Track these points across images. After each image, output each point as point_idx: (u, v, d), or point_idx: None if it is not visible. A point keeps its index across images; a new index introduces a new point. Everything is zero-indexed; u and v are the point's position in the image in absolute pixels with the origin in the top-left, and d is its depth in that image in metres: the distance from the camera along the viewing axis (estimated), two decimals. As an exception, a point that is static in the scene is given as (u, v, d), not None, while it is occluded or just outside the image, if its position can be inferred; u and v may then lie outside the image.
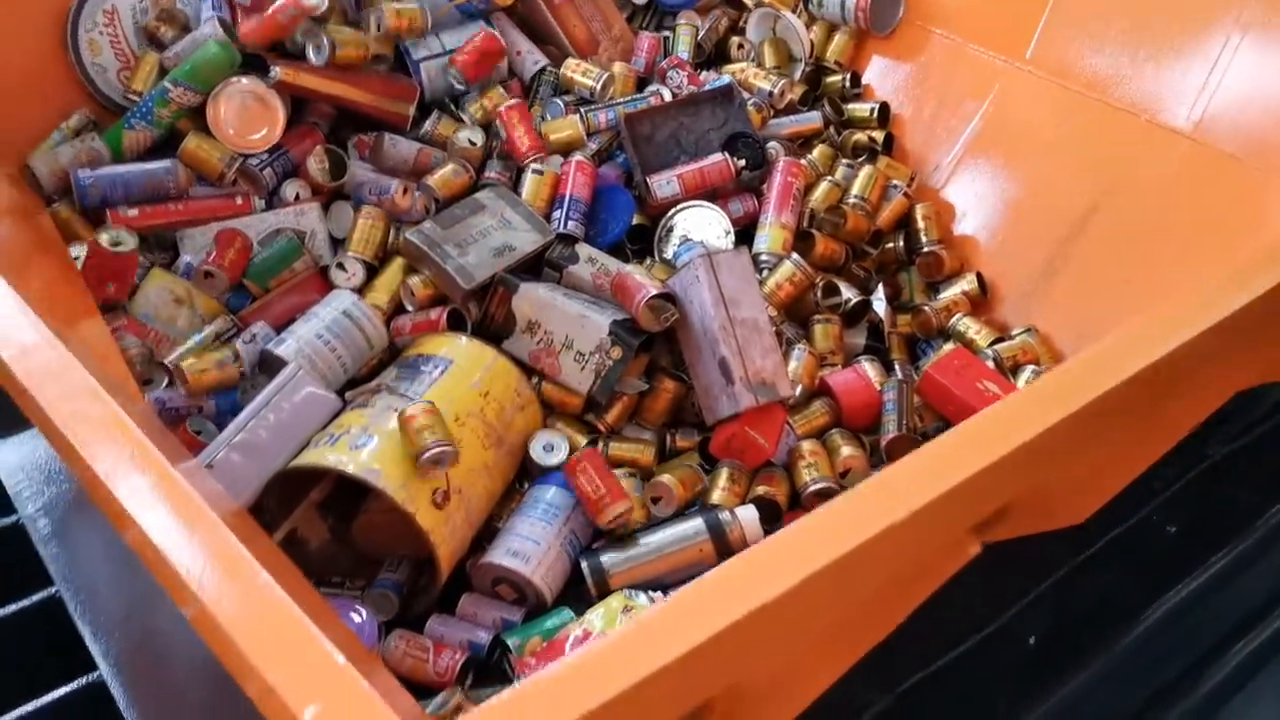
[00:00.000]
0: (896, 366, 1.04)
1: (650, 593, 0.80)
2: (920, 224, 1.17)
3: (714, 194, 1.11)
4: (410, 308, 1.00)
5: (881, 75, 1.34)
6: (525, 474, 0.92)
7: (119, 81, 1.09)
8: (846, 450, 0.94)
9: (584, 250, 1.02)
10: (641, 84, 1.25)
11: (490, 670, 0.79)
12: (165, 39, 1.09)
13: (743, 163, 1.13)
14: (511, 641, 0.78)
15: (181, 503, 0.46)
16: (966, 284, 1.12)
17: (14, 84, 1.04)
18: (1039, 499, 0.77)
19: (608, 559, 0.83)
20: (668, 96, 1.20)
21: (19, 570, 0.85)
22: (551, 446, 0.92)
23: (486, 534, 0.87)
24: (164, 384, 0.91)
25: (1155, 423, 0.87)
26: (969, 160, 1.22)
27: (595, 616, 0.77)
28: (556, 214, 1.05)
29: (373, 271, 1.03)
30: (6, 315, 0.58)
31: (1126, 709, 0.82)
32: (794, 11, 1.34)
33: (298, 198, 1.05)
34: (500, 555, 0.83)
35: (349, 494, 0.86)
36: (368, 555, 0.87)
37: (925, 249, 1.16)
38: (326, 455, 0.80)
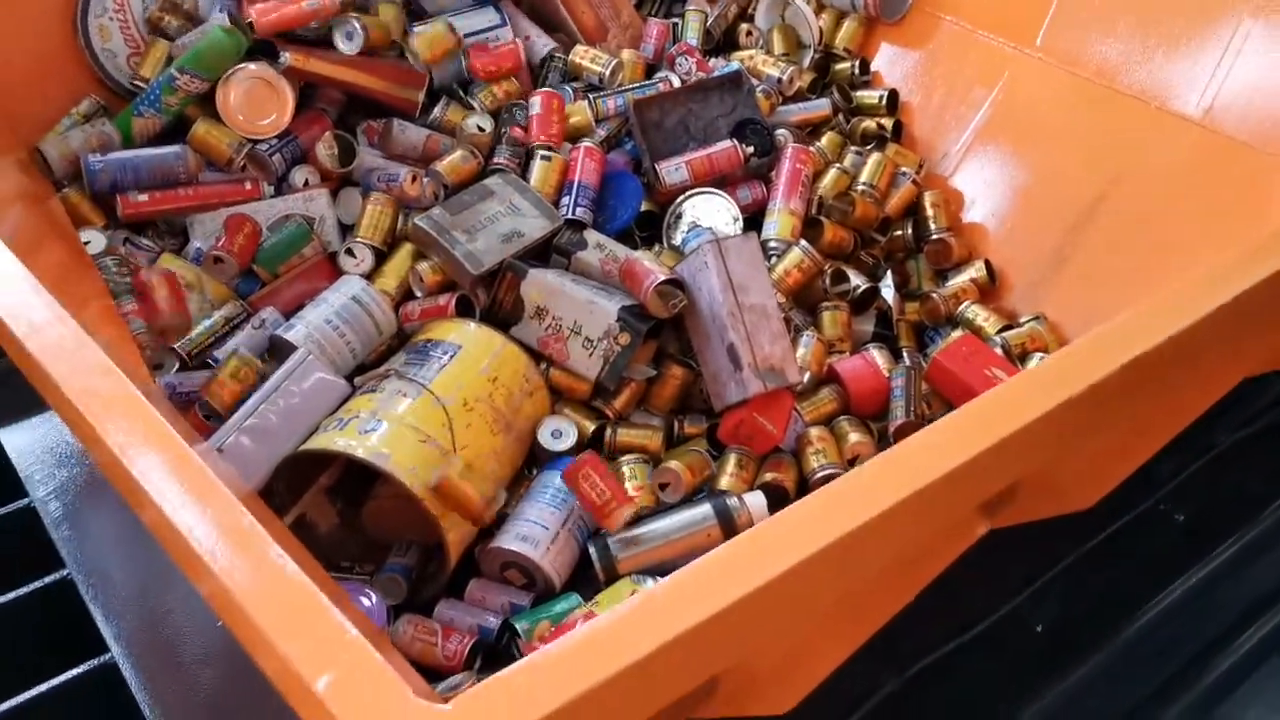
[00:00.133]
0: (904, 354, 1.03)
1: (658, 578, 0.80)
2: (929, 211, 1.17)
3: (723, 181, 1.11)
4: (419, 293, 1.00)
5: (890, 62, 1.34)
6: (534, 460, 0.93)
7: (129, 67, 1.09)
8: (854, 437, 0.94)
9: (592, 236, 1.02)
10: (650, 70, 1.25)
11: (499, 655, 0.80)
12: (170, 29, 1.09)
13: (751, 149, 1.13)
14: (520, 626, 0.78)
15: (194, 477, 0.46)
16: (975, 271, 1.12)
17: (25, 69, 1.05)
18: (1046, 482, 0.77)
19: (615, 544, 0.83)
20: (676, 83, 1.20)
21: (31, 553, 0.86)
22: (560, 432, 0.92)
23: (495, 520, 0.87)
24: (174, 368, 0.91)
25: (1162, 407, 0.87)
26: (978, 147, 1.21)
27: (603, 601, 0.78)
28: (565, 200, 1.05)
29: (381, 257, 1.03)
30: (19, 293, 0.59)
31: (1133, 697, 0.82)
32: (803, -2, 1.33)
33: (307, 184, 1.05)
34: (509, 540, 0.83)
35: (358, 479, 0.86)
36: (376, 540, 0.88)
37: (934, 236, 1.16)
38: (336, 440, 0.80)
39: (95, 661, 0.76)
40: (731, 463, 0.90)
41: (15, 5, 1.05)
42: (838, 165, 1.18)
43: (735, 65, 1.22)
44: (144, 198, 0.99)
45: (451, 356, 0.88)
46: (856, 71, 1.32)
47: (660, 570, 0.82)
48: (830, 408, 0.97)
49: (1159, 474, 0.96)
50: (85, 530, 0.88)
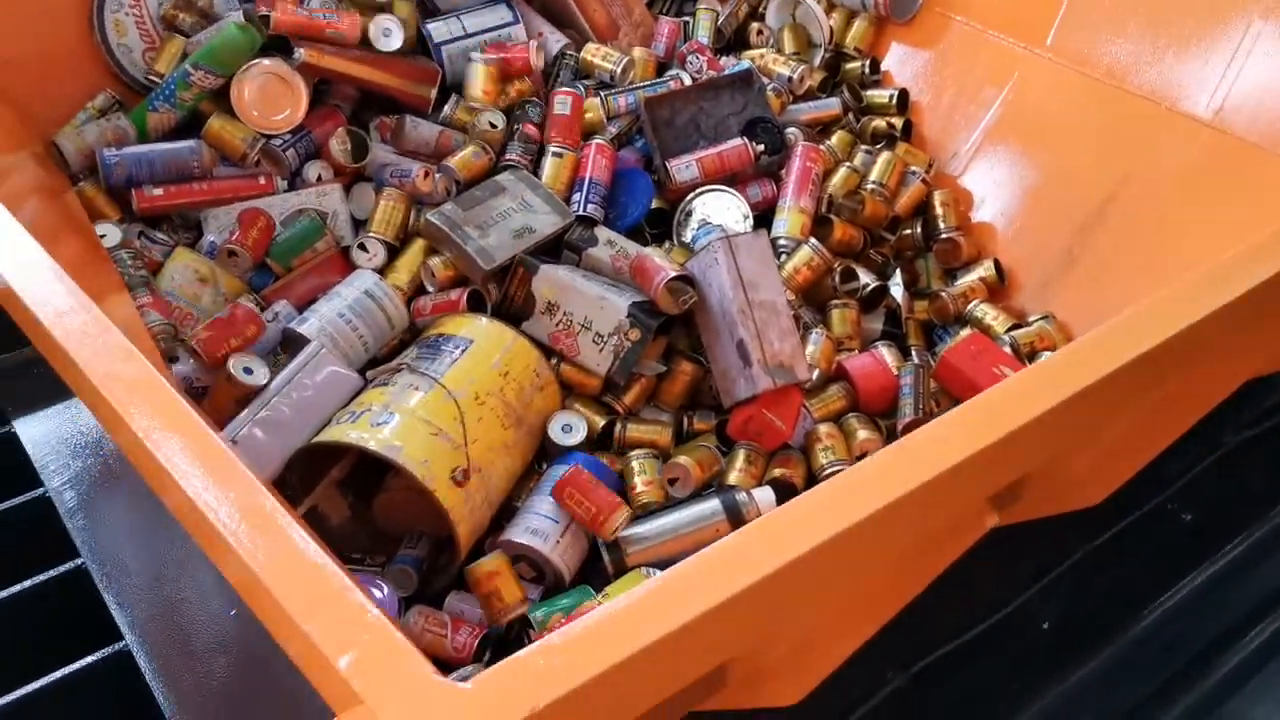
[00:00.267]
0: (913, 352, 1.04)
1: (667, 571, 0.81)
2: (938, 210, 1.18)
3: (733, 178, 1.12)
4: (431, 288, 1.01)
5: (901, 62, 1.34)
6: (544, 454, 0.93)
7: (144, 62, 1.10)
8: (863, 434, 0.94)
9: (603, 233, 1.03)
10: (661, 69, 1.26)
11: (510, 647, 0.80)
12: (184, 26, 1.10)
13: (762, 148, 1.13)
14: (533, 616, 0.79)
15: (217, 461, 0.47)
16: (984, 270, 1.12)
17: (41, 64, 1.06)
18: (1054, 478, 0.77)
19: (625, 538, 0.84)
20: (687, 81, 1.20)
21: (46, 542, 0.86)
22: (570, 427, 0.92)
23: (505, 513, 0.88)
24: (189, 361, 0.92)
25: (1168, 404, 0.87)
26: (988, 147, 1.22)
27: (614, 594, 0.78)
28: (576, 197, 1.06)
29: (394, 252, 1.04)
30: (45, 281, 0.59)
31: (1139, 694, 0.83)
32: (814, -3, 1.34)
33: (320, 179, 1.06)
34: (519, 533, 0.83)
35: (370, 471, 0.87)
36: (387, 532, 0.88)
37: (943, 235, 1.16)
38: (348, 432, 0.81)
39: (109, 649, 0.77)
40: (740, 458, 0.90)
41: (32, 0, 1.05)
42: (848, 164, 1.18)
43: (746, 64, 1.23)
44: (159, 192, 1.00)
45: (463, 351, 0.89)
46: (867, 71, 1.32)
47: (669, 564, 0.82)
48: (839, 405, 0.98)
49: (1166, 474, 0.97)
50: (99, 520, 0.89)
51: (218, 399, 0.85)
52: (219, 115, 1.03)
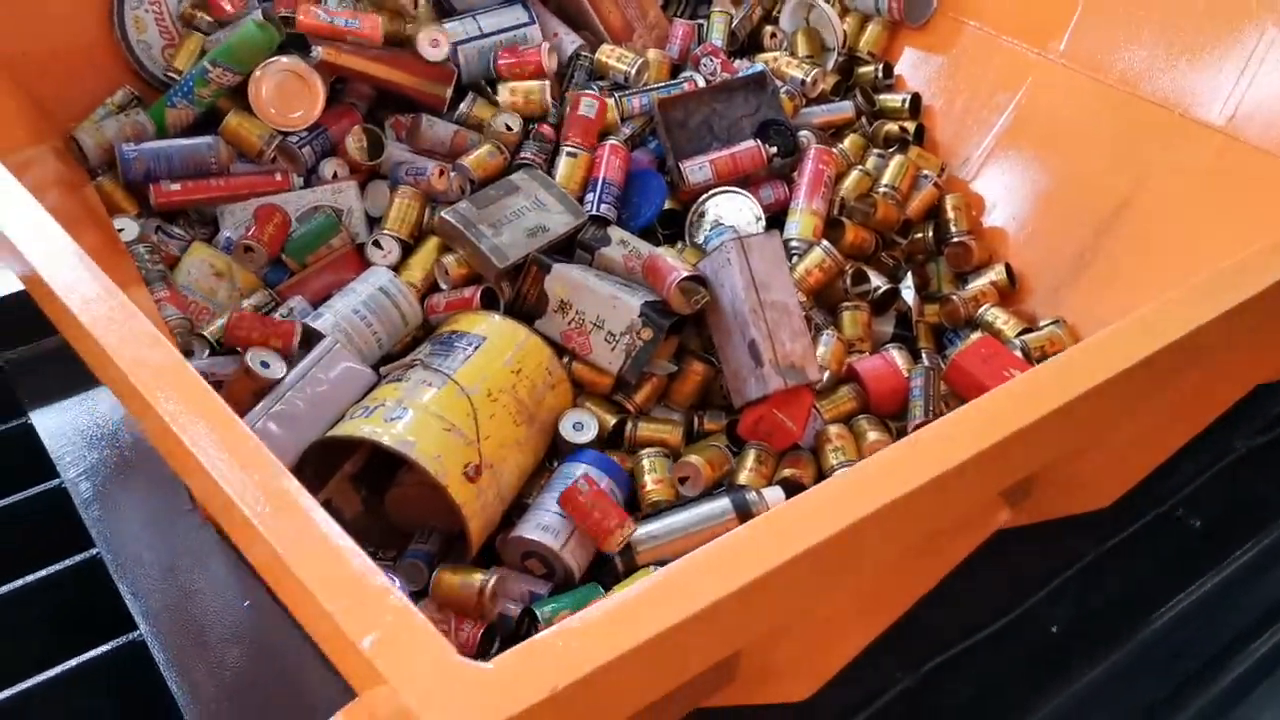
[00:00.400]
0: (924, 354, 1.04)
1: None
2: (950, 214, 1.18)
3: (746, 180, 1.12)
4: (445, 286, 1.01)
5: (914, 66, 1.34)
6: (555, 452, 0.94)
7: (163, 59, 1.11)
8: (873, 435, 0.94)
9: (616, 233, 1.03)
10: (675, 70, 1.26)
11: (518, 642, 0.81)
12: (202, 25, 1.11)
13: (775, 150, 1.14)
14: (540, 612, 0.79)
15: (242, 445, 0.47)
16: (995, 275, 1.12)
17: (61, 59, 1.07)
18: (1064, 479, 0.77)
19: (635, 536, 0.84)
20: (701, 83, 1.21)
21: (61, 532, 0.87)
22: (581, 425, 0.93)
23: (516, 510, 0.88)
24: (205, 354, 0.93)
25: (1177, 407, 0.87)
26: (1000, 152, 1.22)
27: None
28: (590, 196, 1.06)
29: (408, 249, 1.04)
30: (71, 268, 0.60)
31: (1148, 699, 0.82)
32: (828, 2, 1.34)
33: (335, 176, 1.07)
34: (530, 530, 0.84)
35: (383, 466, 0.87)
36: (399, 527, 0.89)
37: (954, 239, 1.16)
38: (362, 426, 0.81)
39: (124, 639, 0.78)
40: (751, 458, 0.91)
41: (54, -3, 1.07)
42: (860, 167, 1.18)
43: (760, 66, 1.23)
44: (176, 187, 1.01)
45: (476, 348, 0.90)
46: (880, 75, 1.33)
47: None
48: (849, 406, 0.98)
49: (1176, 479, 0.97)
50: (114, 511, 0.89)
51: (234, 391, 0.86)
52: (236, 112, 1.04)
